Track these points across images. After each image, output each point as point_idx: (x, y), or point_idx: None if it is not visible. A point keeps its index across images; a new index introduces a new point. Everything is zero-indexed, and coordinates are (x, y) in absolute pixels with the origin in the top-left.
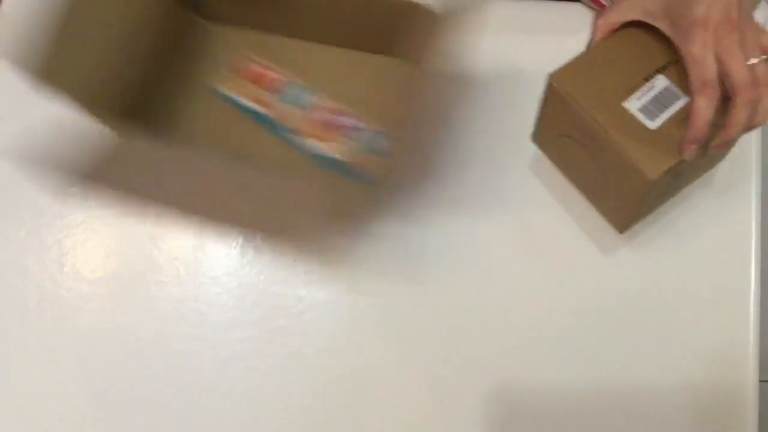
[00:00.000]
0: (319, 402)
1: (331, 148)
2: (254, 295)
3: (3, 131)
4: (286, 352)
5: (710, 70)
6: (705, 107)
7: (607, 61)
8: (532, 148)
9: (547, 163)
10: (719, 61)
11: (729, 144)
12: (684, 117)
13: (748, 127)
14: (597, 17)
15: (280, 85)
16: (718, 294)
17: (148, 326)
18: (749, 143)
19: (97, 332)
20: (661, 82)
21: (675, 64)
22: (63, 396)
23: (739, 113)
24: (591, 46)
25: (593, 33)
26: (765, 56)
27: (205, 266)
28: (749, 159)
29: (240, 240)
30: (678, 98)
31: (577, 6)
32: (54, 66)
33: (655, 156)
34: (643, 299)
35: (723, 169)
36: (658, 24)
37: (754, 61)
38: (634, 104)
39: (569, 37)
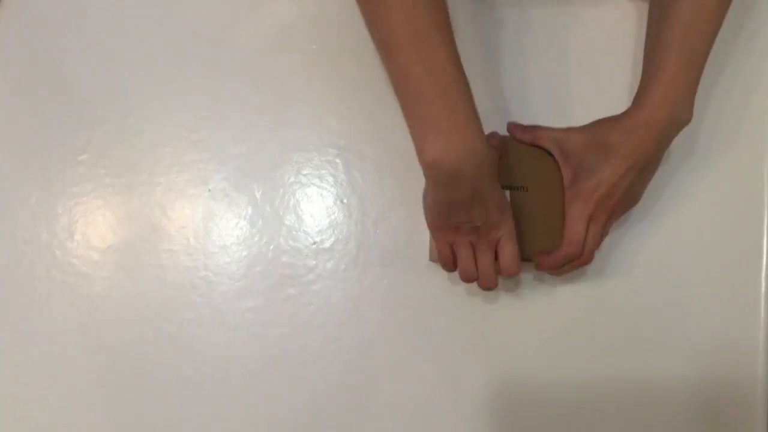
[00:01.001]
0: (327, 372)
1: None
2: (263, 264)
3: (14, 101)
4: (295, 321)
5: (580, 233)
6: (564, 256)
7: (514, 151)
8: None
9: None
10: (587, 226)
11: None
12: None
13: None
14: (531, 127)
15: None
16: (728, 285)
17: (158, 295)
18: (761, 125)
19: (106, 300)
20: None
21: (527, 191)
22: (72, 364)
23: (569, 268)
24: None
25: (519, 132)
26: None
27: (215, 235)
28: (762, 141)
29: (249, 210)
30: None
31: None
32: None
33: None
34: (653, 291)
35: (734, 155)
36: (563, 168)
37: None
38: None
39: (590, 8)
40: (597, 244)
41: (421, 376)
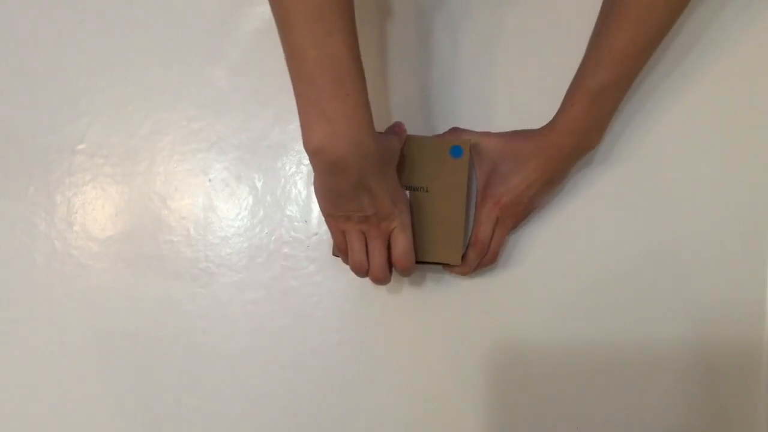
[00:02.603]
0: (329, 363)
1: None
2: (265, 255)
3: (11, 89)
4: (296, 313)
5: (486, 234)
6: (473, 258)
7: (418, 150)
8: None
9: None
10: (493, 228)
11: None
12: None
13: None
14: (457, 130)
15: None
16: (733, 247)
17: (158, 286)
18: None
19: (106, 292)
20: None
21: (427, 192)
22: (71, 355)
23: (476, 268)
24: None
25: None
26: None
27: (216, 226)
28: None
29: (250, 200)
30: None
31: None
32: None
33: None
34: (659, 255)
35: (740, 117)
36: (477, 170)
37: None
38: None
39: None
40: (501, 245)
41: (423, 366)
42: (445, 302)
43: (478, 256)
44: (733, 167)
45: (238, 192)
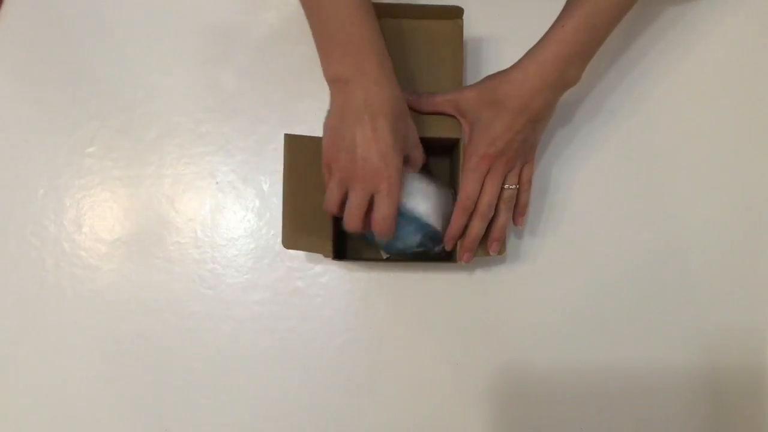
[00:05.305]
0: (335, 363)
1: None
2: (271, 257)
3: (21, 94)
4: (302, 313)
5: (472, 188)
6: (460, 214)
7: None
8: None
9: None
10: (483, 183)
11: (473, 250)
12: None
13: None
14: (427, 95)
15: None
16: (737, 273)
17: (166, 287)
18: None
19: (114, 293)
20: None
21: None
22: (79, 356)
23: (475, 223)
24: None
25: (416, 103)
26: (516, 186)
27: (223, 228)
28: None
29: (257, 202)
30: None
31: None
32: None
33: (298, 235)
34: (661, 278)
35: (745, 146)
36: (463, 125)
37: (506, 186)
38: None
39: None
40: (494, 197)
41: (428, 366)
42: (450, 303)
43: (465, 212)
44: (736, 196)
45: (244, 194)
